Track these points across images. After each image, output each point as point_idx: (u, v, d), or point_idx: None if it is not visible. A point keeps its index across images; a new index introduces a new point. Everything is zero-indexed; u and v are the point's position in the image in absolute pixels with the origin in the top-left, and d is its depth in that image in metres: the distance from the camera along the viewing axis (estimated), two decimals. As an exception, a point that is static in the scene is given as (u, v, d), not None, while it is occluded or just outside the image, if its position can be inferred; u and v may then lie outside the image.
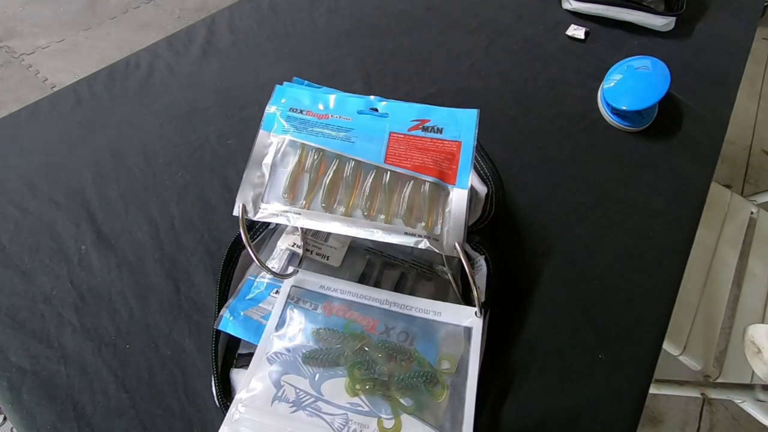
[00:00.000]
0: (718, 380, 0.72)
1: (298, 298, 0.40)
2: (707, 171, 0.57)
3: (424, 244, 0.37)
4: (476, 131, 0.40)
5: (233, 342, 0.40)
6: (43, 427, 0.38)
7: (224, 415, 0.36)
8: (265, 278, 0.41)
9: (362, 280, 0.42)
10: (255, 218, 0.38)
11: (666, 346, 0.73)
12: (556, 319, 0.45)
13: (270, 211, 0.38)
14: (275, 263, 0.41)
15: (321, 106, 0.43)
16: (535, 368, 0.42)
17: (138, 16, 2.00)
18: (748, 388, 0.66)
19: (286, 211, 0.37)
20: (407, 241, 0.37)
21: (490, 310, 0.41)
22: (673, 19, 0.70)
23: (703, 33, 0.73)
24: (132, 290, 0.45)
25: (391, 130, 0.41)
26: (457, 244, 0.37)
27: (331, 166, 0.40)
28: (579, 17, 0.74)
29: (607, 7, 0.71)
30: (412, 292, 0.42)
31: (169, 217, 0.50)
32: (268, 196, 0.39)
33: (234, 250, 0.43)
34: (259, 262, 0.36)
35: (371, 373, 0.35)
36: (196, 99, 0.61)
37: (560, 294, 0.46)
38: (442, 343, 0.38)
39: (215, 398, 0.37)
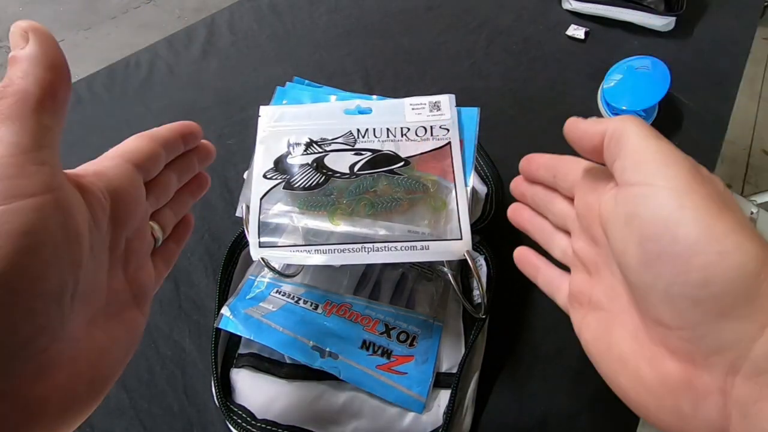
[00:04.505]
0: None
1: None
2: (707, 171, 0.57)
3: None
4: (477, 129, 0.40)
5: (233, 342, 0.40)
6: (43, 427, 0.38)
7: (224, 416, 0.36)
8: (266, 277, 0.41)
9: (362, 280, 0.42)
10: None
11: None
12: (557, 319, 0.44)
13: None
14: (275, 262, 0.41)
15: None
16: (536, 368, 0.42)
17: (138, 16, 2.00)
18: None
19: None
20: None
21: (490, 310, 0.41)
22: (673, 19, 0.70)
23: (703, 33, 0.73)
24: (132, 290, 0.45)
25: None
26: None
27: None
28: (579, 17, 0.74)
29: (607, 7, 0.71)
30: (412, 293, 0.42)
31: (169, 217, 0.50)
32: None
33: (234, 250, 0.43)
34: (263, 260, 0.36)
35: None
36: (196, 99, 0.61)
37: (560, 294, 0.46)
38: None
39: (215, 398, 0.37)
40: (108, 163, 0.22)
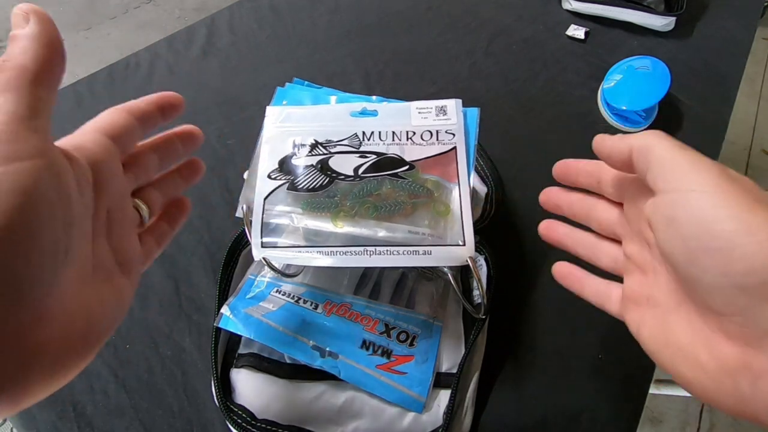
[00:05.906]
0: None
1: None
2: (707, 171, 0.57)
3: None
4: (477, 129, 0.40)
5: (233, 342, 0.40)
6: (43, 427, 0.38)
7: (224, 416, 0.36)
8: (266, 277, 0.41)
9: (362, 280, 0.42)
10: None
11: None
12: (556, 319, 0.45)
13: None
14: (276, 262, 0.41)
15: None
16: (536, 368, 0.42)
17: (138, 16, 2.00)
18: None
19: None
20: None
21: (490, 310, 0.41)
22: (673, 19, 0.70)
23: (703, 33, 0.73)
24: (132, 290, 0.45)
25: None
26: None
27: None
28: (579, 17, 0.74)
29: (607, 7, 0.71)
30: (412, 293, 0.42)
31: (169, 217, 0.50)
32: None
33: (234, 250, 0.43)
34: (265, 260, 0.36)
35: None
36: (196, 99, 0.61)
37: (560, 294, 0.46)
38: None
39: (215, 398, 0.37)
40: (86, 137, 0.24)
